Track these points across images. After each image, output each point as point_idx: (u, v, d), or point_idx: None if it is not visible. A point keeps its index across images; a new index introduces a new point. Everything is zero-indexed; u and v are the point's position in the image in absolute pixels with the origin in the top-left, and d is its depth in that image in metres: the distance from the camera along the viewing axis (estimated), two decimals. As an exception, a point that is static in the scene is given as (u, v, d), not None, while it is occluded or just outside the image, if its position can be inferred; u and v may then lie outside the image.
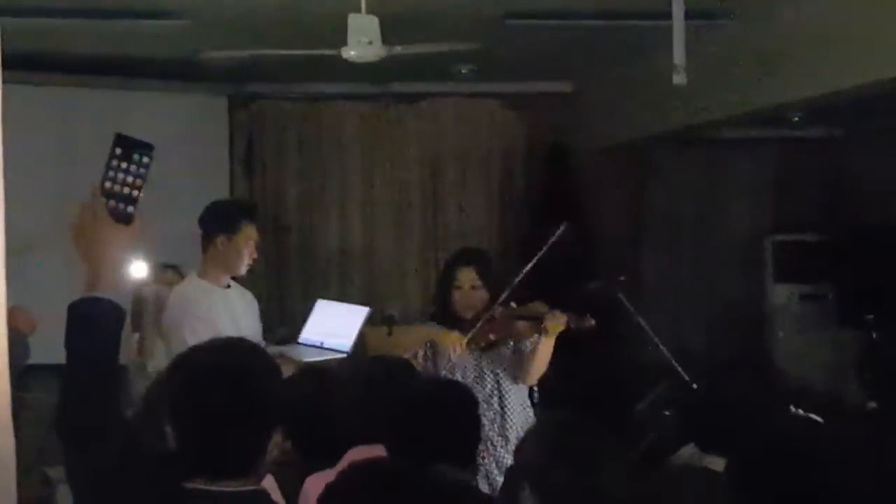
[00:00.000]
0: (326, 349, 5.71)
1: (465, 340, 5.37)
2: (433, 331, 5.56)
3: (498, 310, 5.38)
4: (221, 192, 9.32)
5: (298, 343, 5.85)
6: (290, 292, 10.19)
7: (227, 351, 2.68)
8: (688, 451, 3.45)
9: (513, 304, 5.42)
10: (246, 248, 5.49)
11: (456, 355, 5.37)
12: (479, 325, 5.37)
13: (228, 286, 5.58)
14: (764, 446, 2.73)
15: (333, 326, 5.83)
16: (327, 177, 10.43)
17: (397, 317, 6.28)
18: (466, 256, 5.79)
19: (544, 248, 5.50)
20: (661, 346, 6.18)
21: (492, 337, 5.42)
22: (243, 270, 5.57)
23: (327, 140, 10.44)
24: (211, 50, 7.54)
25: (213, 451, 2.54)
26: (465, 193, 10.58)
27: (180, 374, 2.63)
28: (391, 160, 10.51)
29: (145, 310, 6.59)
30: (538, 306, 5.41)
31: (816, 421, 3.72)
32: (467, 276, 5.54)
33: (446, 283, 5.63)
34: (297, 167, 10.41)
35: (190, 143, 9.08)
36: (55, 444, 2.48)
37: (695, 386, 5.24)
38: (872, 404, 5.02)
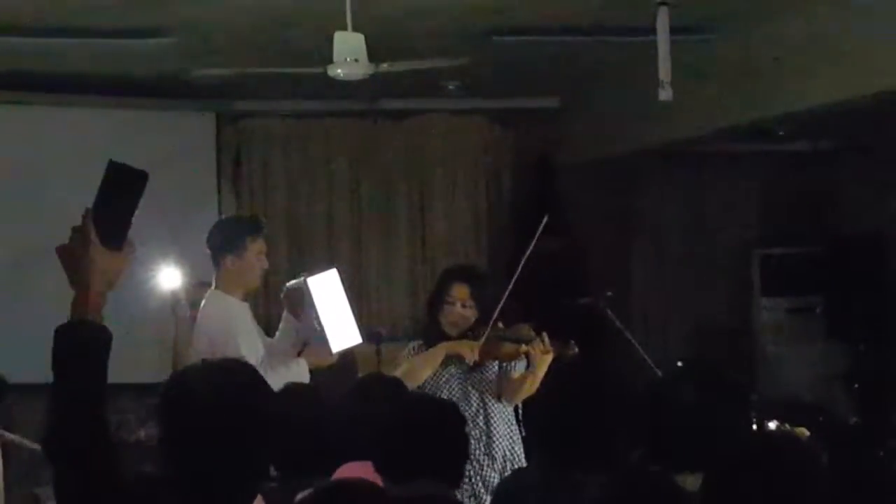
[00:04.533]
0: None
1: (478, 349, 5.38)
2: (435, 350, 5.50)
3: (485, 330, 5.38)
4: (209, 210, 9.31)
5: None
6: (276, 309, 10.15)
7: (221, 374, 2.68)
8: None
9: (499, 325, 5.42)
10: (257, 263, 5.52)
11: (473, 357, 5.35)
12: (484, 338, 5.36)
13: (245, 300, 5.61)
14: (732, 463, 2.72)
15: (332, 304, 5.63)
16: (315, 194, 10.44)
17: (385, 334, 6.27)
18: (461, 272, 5.75)
19: (530, 247, 5.47)
20: (649, 362, 6.19)
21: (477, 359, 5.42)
22: (258, 283, 5.61)
23: (315, 157, 10.45)
24: (199, 68, 7.56)
25: (204, 474, 2.55)
26: (453, 209, 10.59)
27: (173, 397, 2.64)
28: (379, 176, 10.52)
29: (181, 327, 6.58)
30: (524, 329, 5.41)
31: (771, 435, 3.71)
32: (460, 293, 5.50)
33: (438, 297, 5.58)
34: (285, 184, 10.41)
35: (178, 160, 9.07)
36: (44, 463, 2.49)
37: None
38: (855, 419, 5.05)
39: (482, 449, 5.37)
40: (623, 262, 10.32)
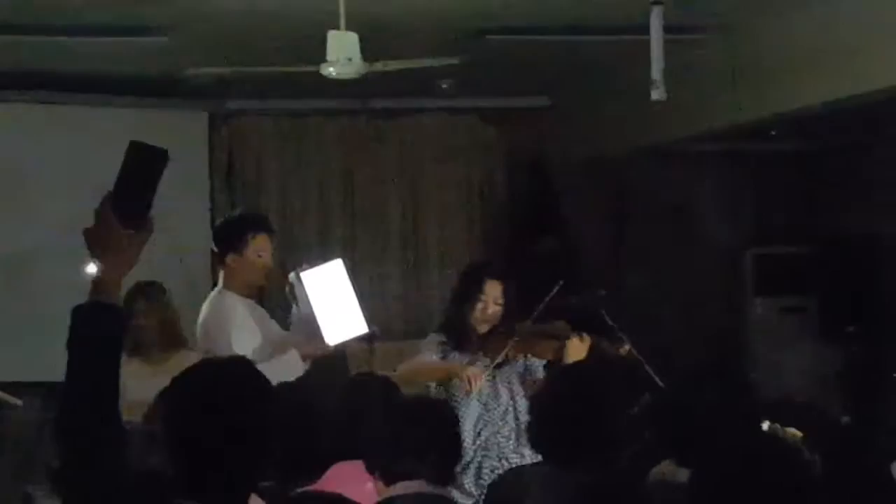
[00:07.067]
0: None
1: (489, 372, 5.31)
2: (446, 365, 5.44)
3: (518, 328, 5.31)
4: (202, 210, 9.31)
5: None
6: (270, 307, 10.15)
7: (222, 372, 2.68)
8: (666, 467, 3.44)
9: (529, 322, 5.36)
10: (259, 261, 5.51)
11: (477, 387, 5.23)
12: (502, 355, 5.30)
13: (250, 297, 5.64)
14: (722, 461, 2.71)
15: (333, 296, 5.60)
16: (308, 193, 10.43)
17: (378, 333, 6.25)
18: (496, 269, 5.65)
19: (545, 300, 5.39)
20: (642, 361, 6.17)
21: (508, 354, 5.34)
22: (262, 281, 5.62)
23: (307, 156, 10.43)
24: (191, 67, 7.55)
25: (205, 473, 2.55)
26: (446, 208, 10.58)
27: (175, 395, 2.64)
28: (371, 176, 10.51)
29: None
30: (562, 326, 5.35)
31: (776, 438, 3.71)
32: (493, 290, 5.42)
33: (469, 293, 5.47)
34: (278, 183, 10.39)
35: (170, 159, 9.04)
36: (35, 461, 2.48)
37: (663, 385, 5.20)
38: (846, 419, 5.03)
39: (511, 447, 5.34)
40: (616, 262, 10.31)
